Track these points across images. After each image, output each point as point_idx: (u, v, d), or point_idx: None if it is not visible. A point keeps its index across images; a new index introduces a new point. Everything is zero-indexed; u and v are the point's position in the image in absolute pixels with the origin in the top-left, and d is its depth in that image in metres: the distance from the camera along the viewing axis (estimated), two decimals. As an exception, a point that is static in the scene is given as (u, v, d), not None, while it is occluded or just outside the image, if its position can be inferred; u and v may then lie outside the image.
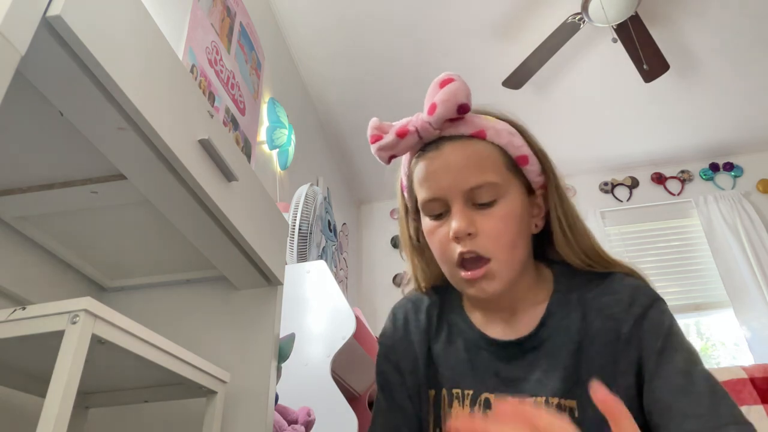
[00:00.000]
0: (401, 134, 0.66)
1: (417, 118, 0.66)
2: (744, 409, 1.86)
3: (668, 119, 3.23)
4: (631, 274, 0.67)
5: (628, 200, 3.57)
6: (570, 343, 0.63)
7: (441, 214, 0.65)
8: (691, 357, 0.59)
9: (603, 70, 2.81)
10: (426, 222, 0.67)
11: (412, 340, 0.74)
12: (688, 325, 3.35)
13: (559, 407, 0.60)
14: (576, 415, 0.59)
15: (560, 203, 0.67)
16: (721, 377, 1.93)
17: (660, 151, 3.52)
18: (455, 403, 0.65)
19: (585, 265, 0.67)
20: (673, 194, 3.53)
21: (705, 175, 3.54)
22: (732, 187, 3.46)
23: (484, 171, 0.63)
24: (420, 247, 0.74)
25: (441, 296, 0.75)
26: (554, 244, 0.68)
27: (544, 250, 0.71)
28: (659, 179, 3.58)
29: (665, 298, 0.65)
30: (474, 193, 0.62)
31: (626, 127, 3.29)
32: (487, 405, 0.63)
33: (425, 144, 0.67)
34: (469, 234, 0.62)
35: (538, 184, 0.68)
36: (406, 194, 0.73)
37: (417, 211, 0.71)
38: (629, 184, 3.61)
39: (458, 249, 0.62)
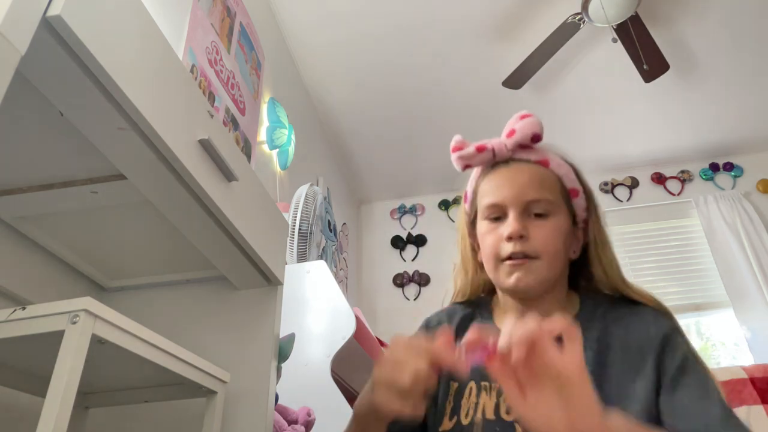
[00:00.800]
0: (480, 149, 0.78)
1: (495, 140, 0.79)
2: (744, 409, 1.86)
3: (668, 119, 3.23)
4: (654, 306, 0.74)
5: (628, 200, 3.57)
6: (588, 349, 0.68)
7: (498, 218, 0.76)
8: (706, 382, 0.65)
9: (603, 70, 2.81)
10: (483, 224, 0.78)
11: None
12: (689, 325, 3.35)
13: None
14: None
15: (600, 236, 0.78)
16: (721, 377, 1.92)
17: (660, 151, 3.52)
18: (483, 393, 0.73)
19: (612, 290, 0.77)
20: (673, 194, 3.53)
21: (705, 175, 3.54)
22: (732, 187, 3.46)
23: (543, 189, 0.74)
24: (474, 257, 0.83)
25: (474, 305, 0.84)
26: (589, 270, 0.78)
27: (575, 280, 0.81)
28: (659, 179, 3.58)
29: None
30: (531, 205, 0.74)
31: (626, 127, 3.29)
32: None
33: (496, 162, 0.79)
34: (521, 237, 0.72)
35: (581, 218, 0.79)
36: (467, 205, 0.84)
37: (472, 223, 0.82)
38: (629, 184, 3.61)
39: (509, 249, 0.72)
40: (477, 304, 0.84)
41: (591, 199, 0.80)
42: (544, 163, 0.77)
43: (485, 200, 0.77)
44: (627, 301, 0.75)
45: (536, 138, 0.77)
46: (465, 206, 0.85)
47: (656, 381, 0.66)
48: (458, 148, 0.80)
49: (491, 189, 0.77)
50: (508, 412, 0.69)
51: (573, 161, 0.81)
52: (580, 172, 0.80)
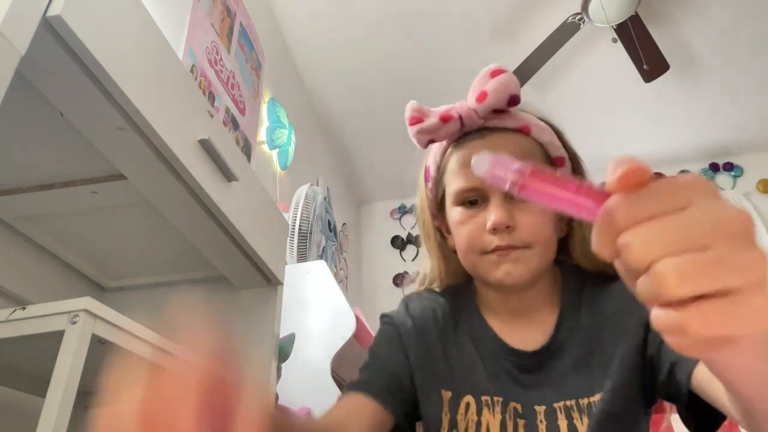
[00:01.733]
0: (445, 119, 0.64)
1: (461, 106, 0.64)
2: (744, 409, 1.86)
3: (668, 119, 3.23)
4: None
5: (628, 200, 3.57)
6: (585, 341, 0.62)
7: (474, 202, 0.63)
8: None
9: (603, 70, 2.81)
10: (456, 211, 0.65)
11: (428, 335, 0.69)
12: (688, 325, 3.35)
13: (590, 405, 0.59)
14: (602, 403, 0.58)
15: None
16: (721, 377, 1.93)
17: (660, 151, 3.52)
18: (485, 410, 0.62)
19: (596, 268, 0.66)
20: (673, 194, 3.53)
21: (705, 175, 3.54)
22: (732, 187, 3.46)
23: None
24: (442, 243, 0.72)
25: (455, 299, 0.71)
26: (570, 246, 0.67)
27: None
28: (659, 179, 3.58)
29: None
30: None
31: (626, 127, 3.29)
32: (517, 413, 0.61)
33: (465, 133, 0.65)
34: (508, 227, 0.60)
35: None
36: (430, 185, 0.71)
37: (439, 206, 0.69)
38: (629, 184, 3.61)
39: (495, 242, 0.60)
40: (457, 293, 0.71)
41: (578, 165, 0.67)
42: (524, 130, 0.64)
43: (457, 183, 0.64)
44: (609, 276, 0.64)
45: (514, 100, 0.62)
46: (427, 186, 0.71)
47: (642, 339, 0.58)
48: (417, 120, 0.65)
49: (462, 168, 0.63)
50: (516, 431, 0.60)
51: (555, 122, 0.68)
52: (563, 135, 0.68)
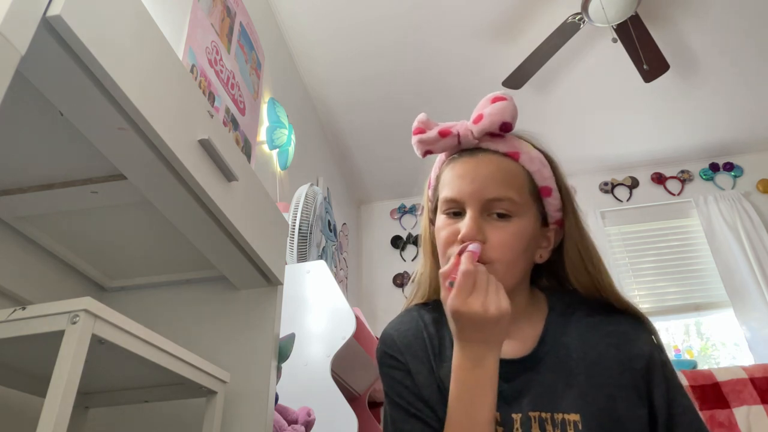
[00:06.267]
0: (443, 134, 0.70)
1: (461, 124, 0.71)
2: (744, 409, 1.86)
3: (668, 119, 3.23)
4: (635, 315, 0.69)
5: (628, 200, 3.57)
6: (569, 359, 0.65)
7: (457, 213, 0.68)
8: (686, 396, 0.65)
9: (603, 70, 2.81)
10: (440, 218, 0.70)
11: (422, 361, 0.71)
12: (688, 325, 3.35)
13: (564, 422, 0.61)
14: (580, 427, 0.60)
15: (580, 238, 0.70)
16: (721, 377, 1.93)
17: (660, 151, 3.52)
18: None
19: (591, 294, 0.70)
20: (673, 194, 3.53)
21: (705, 175, 3.54)
22: (732, 187, 3.46)
23: (507, 187, 0.67)
24: (432, 251, 0.76)
25: (440, 309, 0.71)
26: (568, 274, 0.71)
27: (537, 277, 0.75)
28: (659, 179, 3.58)
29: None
30: (492, 204, 0.66)
31: (626, 127, 3.29)
32: (496, 422, 0.63)
33: (461, 150, 0.71)
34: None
35: (554, 219, 0.71)
36: (430, 193, 0.77)
37: (434, 212, 0.74)
38: (629, 184, 3.61)
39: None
40: (441, 306, 0.70)
41: (567, 198, 0.71)
42: (513, 156, 0.68)
43: (443, 192, 0.69)
44: (602, 305, 0.69)
45: (506, 127, 0.68)
46: (428, 193, 0.77)
47: (649, 410, 0.63)
48: (420, 131, 0.71)
49: (451, 180, 0.69)
50: None
51: (551, 153, 0.72)
52: (557, 167, 0.72)
